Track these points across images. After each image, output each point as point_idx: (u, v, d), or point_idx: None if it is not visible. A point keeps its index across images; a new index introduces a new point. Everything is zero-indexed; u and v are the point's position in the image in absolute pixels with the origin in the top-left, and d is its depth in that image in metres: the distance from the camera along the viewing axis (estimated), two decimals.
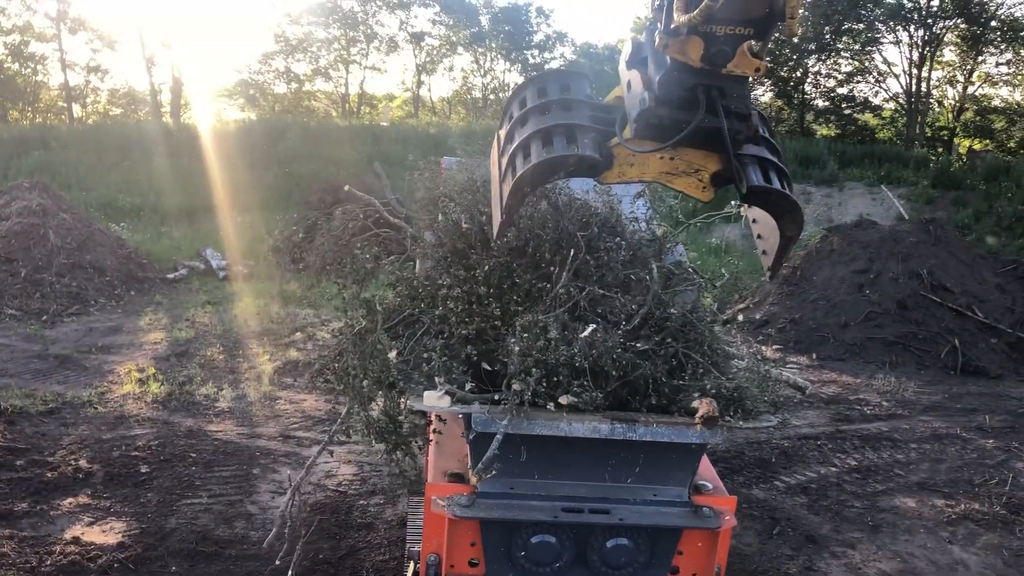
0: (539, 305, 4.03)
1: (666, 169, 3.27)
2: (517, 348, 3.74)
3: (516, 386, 3.63)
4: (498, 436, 3.57)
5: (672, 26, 2.97)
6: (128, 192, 24.53)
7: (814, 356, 13.45)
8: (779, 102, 43.46)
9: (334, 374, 4.70)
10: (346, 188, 4.92)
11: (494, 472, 3.65)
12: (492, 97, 53.15)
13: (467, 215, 4.41)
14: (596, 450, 3.81)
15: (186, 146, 28.41)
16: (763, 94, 43.87)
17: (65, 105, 45.07)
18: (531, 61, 52.72)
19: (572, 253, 4.06)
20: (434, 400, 3.64)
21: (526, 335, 3.77)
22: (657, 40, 3.05)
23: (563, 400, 3.71)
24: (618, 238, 4.32)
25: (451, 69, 55.06)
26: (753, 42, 2.98)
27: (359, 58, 50.21)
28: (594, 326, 3.83)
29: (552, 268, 4.14)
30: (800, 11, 2.94)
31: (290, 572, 5.62)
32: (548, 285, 4.09)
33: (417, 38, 50.83)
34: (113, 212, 22.75)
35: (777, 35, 3.06)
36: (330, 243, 5.18)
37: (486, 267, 4.12)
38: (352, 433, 4.94)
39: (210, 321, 13.91)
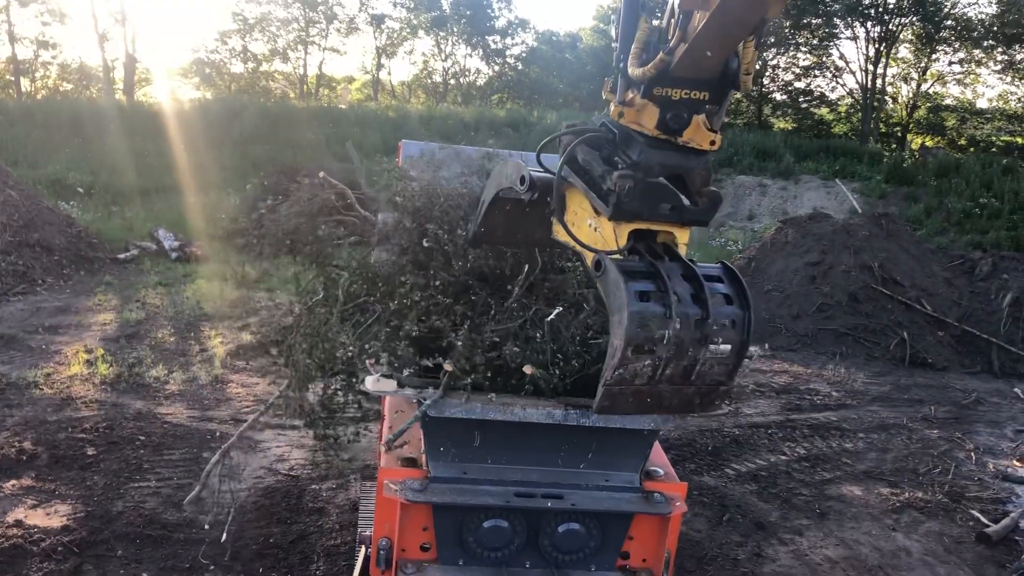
0: (491, 317, 4.01)
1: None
2: (460, 344, 3.79)
3: (448, 366, 3.67)
4: (416, 413, 3.58)
5: (628, 97, 2.99)
6: (79, 170, 23.99)
7: (767, 346, 13.62)
8: (738, 95, 43.79)
9: (278, 349, 4.69)
10: (321, 175, 4.84)
11: (405, 443, 3.73)
12: (452, 82, 52.90)
13: (431, 227, 4.28)
14: (549, 436, 3.81)
15: (140, 124, 27.89)
16: None
17: (13, 79, 43.89)
18: (492, 47, 52.56)
19: (527, 269, 4.01)
20: (378, 383, 3.62)
21: (469, 339, 3.81)
22: (612, 109, 3.05)
23: (527, 369, 3.73)
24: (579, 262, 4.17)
25: (411, 52, 54.77)
26: (705, 117, 2.98)
27: (318, 39, 49.71)
28: (560, 308, 3.84)
29: (509, 286, 4.10)
30: (755, 68, 2.94)
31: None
32: (502, 300, 4.07)
33: (378, 20, 50.41)
34: (63, 190, 22.23)
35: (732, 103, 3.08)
36: (293, 218, 5.11)
37: (446, 281, 4.08)
38: (284, 413, 4.97)
39: (161, 303, 13.67)
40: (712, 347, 3.04)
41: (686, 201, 3.10)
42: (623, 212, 3.01)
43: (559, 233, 3.34)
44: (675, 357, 2.99)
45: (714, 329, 2.99)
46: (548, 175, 3.27)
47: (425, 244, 4.11)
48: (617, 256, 3.04)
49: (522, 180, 3.30)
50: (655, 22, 2.93)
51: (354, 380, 4.45)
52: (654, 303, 2.92)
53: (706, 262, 3.19)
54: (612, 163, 3.09)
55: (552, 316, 3.81)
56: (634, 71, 2.91)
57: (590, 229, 3.20)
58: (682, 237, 3.17)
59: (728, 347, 3.09)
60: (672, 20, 2.82)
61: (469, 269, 4.09)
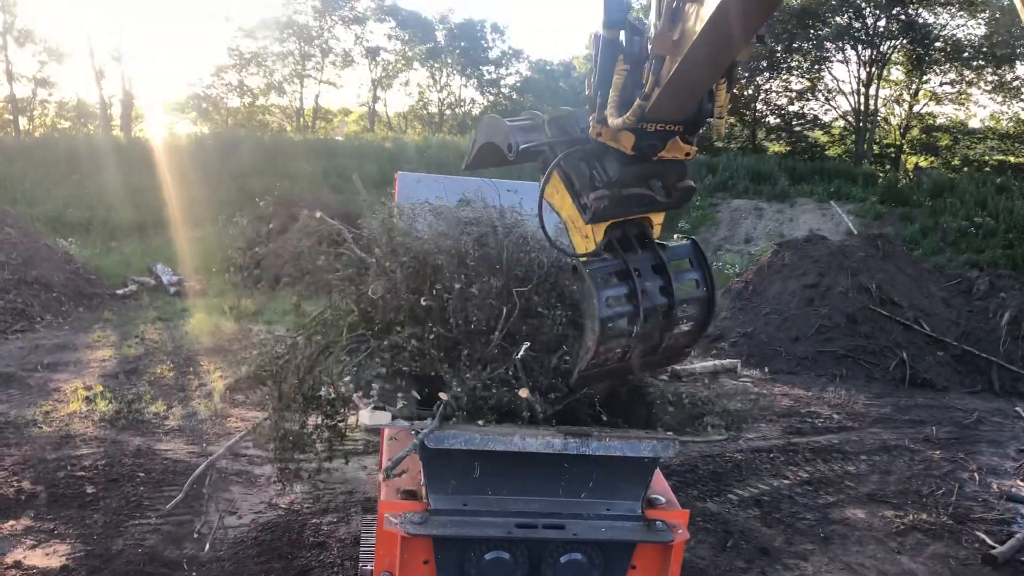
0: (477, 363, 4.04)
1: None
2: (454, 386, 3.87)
3: (443, 396, 3.74)
4: (414, 441, 3.59)
5: (605, 114, 3.12)
6: (76, 207, 24.07)
7: (766, 370, 13.62)
8: (731, 119, 44.12)
9: (272, 380, 4.76)
10: (318, 215, 4.86)
11: (404, 472, 3.75)
12: (448, 112, 53.20)
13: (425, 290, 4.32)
14: (549, 465, 3.80)
15: (137, 160, 27.97)
16: None
17: (11, 118, 44.11)
18: (487, 77, 52.94)
19: (505, 312, 4.03)
20: (374, 416, 3.62)
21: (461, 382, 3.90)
22: (591, 128, 3.22)
23: (522, 393, 3.77)
24: (556, 304, 4.14)
25: (407, 84, 55.05)
26: (681, 135, 3.16)
27: (314, 72, 50.02)
28: (527, 344, 3.89)
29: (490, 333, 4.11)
30: (727, 110, 3.08)
31: None
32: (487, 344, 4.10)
33: (373, 53, 50.77)
34: (61, 227, 22.29)
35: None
36: (291, 250, 5.12)
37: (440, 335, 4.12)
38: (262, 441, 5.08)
39: (160, 338, 13.67)
40: (677, 329, 3.48)
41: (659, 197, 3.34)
42: (600, 218, 3.33)
43: (550, 196, 3.58)
44: (643, 342, 3.39)
45: (679, 315, 3.40)
46: (534, 147, 3.55)
47: (424, 303, 4.12)
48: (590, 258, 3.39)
49: (509, 148, 3.55)
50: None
51: (337, 415, 4.53)
52: (624, 305, 3.32)
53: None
54: (591, 177, 3.34)
55: (520, 354, 3.86)
56: (614, 121, 3.05)
57: (572, 209, 3.51)
58: (656, 219, 3.47)
59: (692, 324, 3.56)
60: (647, 65, 2.90)
61: (461, 324, 4.10)
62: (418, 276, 4.22)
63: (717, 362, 13.20)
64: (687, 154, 3.22)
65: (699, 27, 2.64)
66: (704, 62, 2.77)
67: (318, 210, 5.12)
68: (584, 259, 3.44)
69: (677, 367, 4.29)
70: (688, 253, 3.55)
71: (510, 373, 3.87)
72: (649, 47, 2.88)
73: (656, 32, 2.81)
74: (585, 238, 3.45)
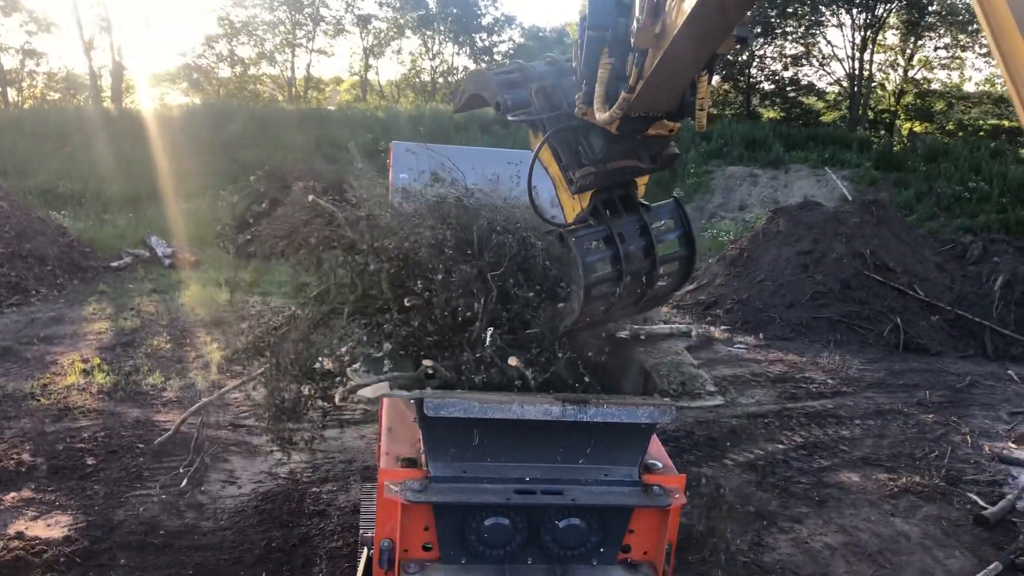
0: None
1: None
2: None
3: (427, 362, 3.85)
4: (383, 377, 3.68)
5: (591, 108, 3.21)
6: (69, 179, 23.93)
7: (761, 336, 13.68)
8: (725, 85, 43.89)
9: (269, 349, 4.82)
10: (310, 199, 4.83)
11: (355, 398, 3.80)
12: (440, 80, 52.81)
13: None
14: (548, 432, 3.83)
15: (128, 132, 27.76)
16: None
17: (0, 89, 43.69)
18: (479, 44, 52.46)
19: (483, 301, 4.06)
20: (374, 388, 3.66)
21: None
22: (577, 108, 3.30)
23: (511, 361, 3.86)
24: (537, 285, 4.23)
25: (399, 52, 54.47)
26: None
27: (305, 41, 49.54)
28: (491, 329, 3.99)
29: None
30: (709, 104, 3.15)
31: None
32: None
33: (364, 21, 50.23)
34: (53, 200, 22.19)
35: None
36: (286, 225, 5.12)
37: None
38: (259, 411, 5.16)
39: (156, 310, 13.67)
40: (658, 284, 3.64)
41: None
42: (585, 190, 3.48)
43: (541, 156, 3.67)
44: (625, 300, 3.57)
45: (660, 273, 3.57)
46: (524, 120, 3.67)
47: (407, 303, 4.16)
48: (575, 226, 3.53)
49: (498, 105, 3.68)
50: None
51: (332, 387, 4.58)
52: (608, 269, 3.47)
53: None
54: (577, 153, 3.46)
55: (488, 342, 3.97)
56: (601, 116, 3.14)
57: (560, 172, 3.63)
58: (641, 180, 3.62)
59: (672, 279, 3.71)
60: (631, 57, 2.93)
61: (447, 316, 4.15)
62: (400, 274, 4.27)
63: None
64: (671, 130, 3.31)
65: (680, 21, 2.69)
66: (685, 55, 2.85)
67: (311, 191, 5.08)
68: (570, 227, 3.55)
69: (637, 330, 4.46)
70: (670, 212, 3.67)
71: (492, 352, 3.94)
72: (632, 40, 2.90)
73: (638, 26, 2.85)
74: (572, 198, 3.60)
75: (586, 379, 4.14)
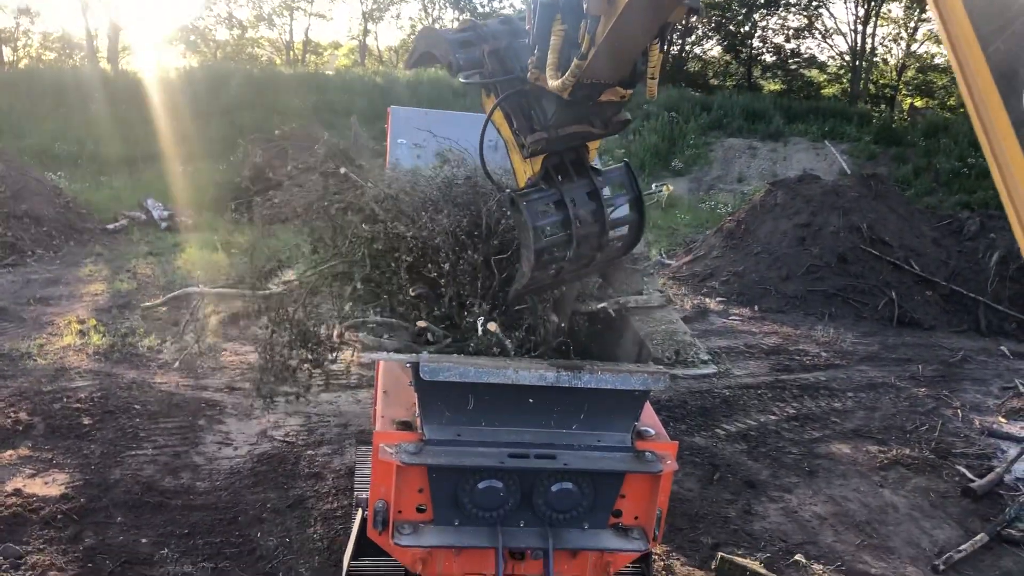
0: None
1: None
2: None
3: (421, 323, 3.94)
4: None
5: (544, 75, 3.20)
6: (65, 140, 23.77)
7: (756, 308, 13.72)
8: (727, 56, 43.63)
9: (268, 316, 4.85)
10: (342, 171, 4.80)
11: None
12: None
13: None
14: (542, 397, 3.86)
15: (125, 93, 27.54)
16: (711, 48, 44.04)
17: None
18: (480, 9, 51.96)
19: (488, 286, 4.19)
20: (372, 351, 3.71)
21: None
22: (530, 72, 3.30)
23: (491, 326, 3.92)
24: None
25: (398, 17, 54.03)
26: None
27: (304, 4, 49.04)
28: (482, 319, 4.06)
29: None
30: (659, 72, 3.14)
31: None
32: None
33: None
34: (49, 160, 22.04)
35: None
36: (307, 193, 5.09)
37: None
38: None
39: (152, 272, 13.66)
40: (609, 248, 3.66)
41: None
42: (536, 154, 3.48)
43: (494, 118, 3.66)
44: (575, 263, 3.59)
45: (611, 237, 3.59)
46: (477, 83, 3.67)
47: (413, 293, 4.24)
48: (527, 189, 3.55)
49: (451, 65, 3.67)
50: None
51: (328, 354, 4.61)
52: (558, 234, 3.50)
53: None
54: (528, 118, 3.48)
55: (482, 328, 4.02)
56: (553, 83, 3.14)
57: (511, 135, 3.64)
58: (592, 144, 3.61)
59: (622, 243, 3.73)
60: (583, 23, 2.93)
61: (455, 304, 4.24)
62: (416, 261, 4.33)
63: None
64: (623, 96, 3.31)
65: None
66: (636, 23, 2.86)
67: (343, 168, 5.02)
68: (521, 191, 3.56)
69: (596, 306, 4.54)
70: (621, 177, 3.69)
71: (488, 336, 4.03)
72: (584, 6, 2.90)
73: None
74: (524, 161, 3.60)
75: (566, 347, 4.24)
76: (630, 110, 3.58)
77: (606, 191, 3.58)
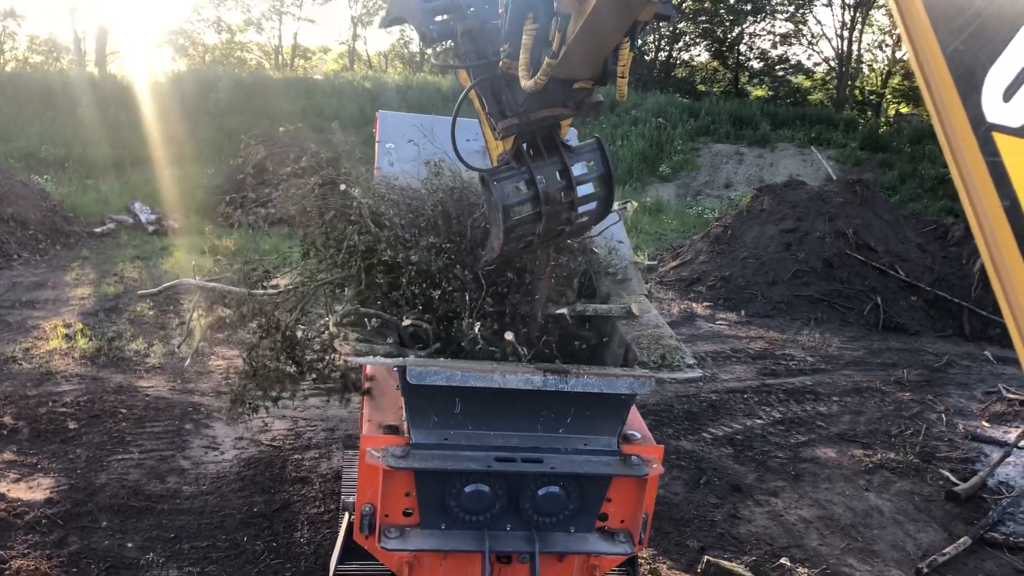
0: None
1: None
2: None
3: (407, 320, 3.97)
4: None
5: (516, 74, 3.23)
6: (51, 143, 23.61)
7: (743, 313, 13.78)
8: (715, 63, 43.81)
9: (257, 322, 4.81)
10: (342, 187, 4.77)
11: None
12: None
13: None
14: (529, 401, 3.89)
15: (112, 97, 27.43)
16: (699, 54, 44.22)
17: None
18: None
19: (476, 297, 4.21)
20: (362, 356, 3.71)
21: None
22: (502, 62, 3.34)
23: (507, 335, 3.95)
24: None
25: None
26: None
27: (293, 8, 48.99)
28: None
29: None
30: (629, 72, 3.19)
31: None
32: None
33: None
34: (35, 164, 21.91)
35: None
36: (297, 201, 5.06)
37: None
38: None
39: (139, 276, 13.61)
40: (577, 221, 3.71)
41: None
42: (508, 136, 3.52)
43: (472, 96, 3.75)
44: (543, 238, 3.66)
45: (579, 214, 3.64)
46: (451, 65, 3.82)
47: (407, 321, 4.23)
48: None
49: (423, 36, 3.72)
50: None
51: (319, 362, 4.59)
52: (528, 212, 3.55)
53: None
54: (500, 103, 3.53)
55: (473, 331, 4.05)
56: (526, 83, 3.17)
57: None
58: (564, 122, 3.66)
59: (590, 217, 3.78)
60: (554, 21, 2.97)
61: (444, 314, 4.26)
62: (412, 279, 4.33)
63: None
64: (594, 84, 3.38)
65: None
66: (607, 21, 2.89)
67: (342, 184, 4.97)
68: (492, 170, 3.61)
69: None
70: (592, 153, 3.71)
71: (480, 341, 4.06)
72: (555, 4, 2.93)
73: None
74: (496, 138, 3.65)
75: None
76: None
77: (577, 168, 3.63)
